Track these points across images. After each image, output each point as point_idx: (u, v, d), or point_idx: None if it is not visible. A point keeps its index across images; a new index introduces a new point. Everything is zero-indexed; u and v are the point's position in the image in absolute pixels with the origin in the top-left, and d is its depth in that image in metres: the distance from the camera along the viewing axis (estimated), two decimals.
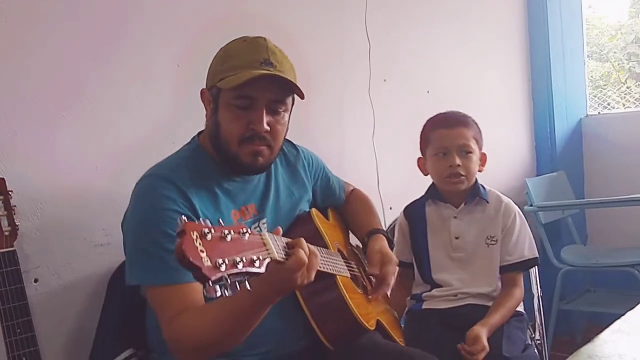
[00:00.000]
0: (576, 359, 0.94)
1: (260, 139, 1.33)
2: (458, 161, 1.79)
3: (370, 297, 1.53)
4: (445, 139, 1.82)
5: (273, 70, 1.31)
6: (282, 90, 1.35)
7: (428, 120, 1.89)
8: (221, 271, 0.86)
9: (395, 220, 2.10)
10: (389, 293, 1.58)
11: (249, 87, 1.29)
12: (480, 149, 1.85)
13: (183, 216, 0.90)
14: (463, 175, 1.80)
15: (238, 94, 1.30)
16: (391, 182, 2.46)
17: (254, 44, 1.35)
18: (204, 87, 1.41)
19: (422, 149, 1.89)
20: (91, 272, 1.59)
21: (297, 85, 1.34)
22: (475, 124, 1.87)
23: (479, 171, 1.87)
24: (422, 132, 1.89)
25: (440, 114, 1.88)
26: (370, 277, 1.59)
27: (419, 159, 1.91)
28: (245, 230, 0.94)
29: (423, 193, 1.94)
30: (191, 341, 1.21)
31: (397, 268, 1.59)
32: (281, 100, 1.35)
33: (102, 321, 1.50)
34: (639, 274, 2.76)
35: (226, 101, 1.33)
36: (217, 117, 1.35)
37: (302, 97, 1.37)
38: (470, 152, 1.81)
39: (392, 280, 1.55)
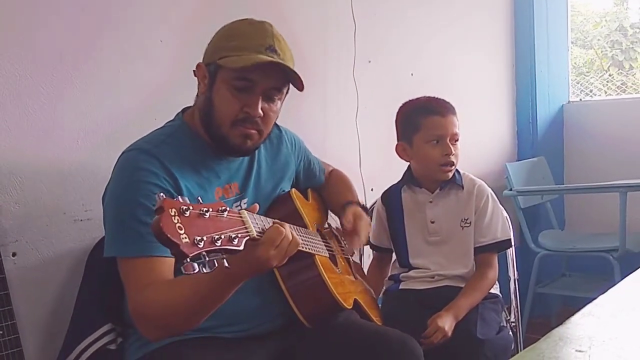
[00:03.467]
0: (548, 341, 0.96)
1: (252, 123, 1.34)
2: (453, 150, 1.80)
3: (346, 254, 1.54)
4: (441, 126, 1.81)
5: (277, 58, 1.31)
6: (282, 78, 1.35)
7: (412, 105, 1.87)
8: (199, 248, 0.87)
9: (376, 202, 2.11)
10: (361, 245, 1.60)
11: (251, 71, 1.29)
12: None
13: (162, 193, 0.90)
14: (454, 163, 1.83)
15: (239, 76, 1.30)
16: (373, 163, 2.46)
17: (260, 28, 1.35)
18: (197, 62, 1.39)
19: (407, 134, 1.86)
20: (70, 247, 1.59)
21: (299, 77, 1.34)
22: None
23: None
24: (406, 116, 1.87)
25: (426, 99, 1.86)
26: (348, 257, 1.61)
27: (399, 144, 1.89)
28: (224, 208, 0.95)
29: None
30: (155, 316, 1.21)
31: (369, 225, 1.62)
32: (278, 88, 1.36)
33: (80, 296, 1.50)
34: (613, 259, 2.80)
35: (225, 80, 1.32)
36: (211, 94, 1.34)
37: (301, 88, 1.37)
38: (458, 141, 1.83)
39: (364, 234, 1.58)
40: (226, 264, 0.92)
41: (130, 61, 1.72)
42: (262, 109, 1.33)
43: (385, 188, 2.00)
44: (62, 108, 1.58)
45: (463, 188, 1.86)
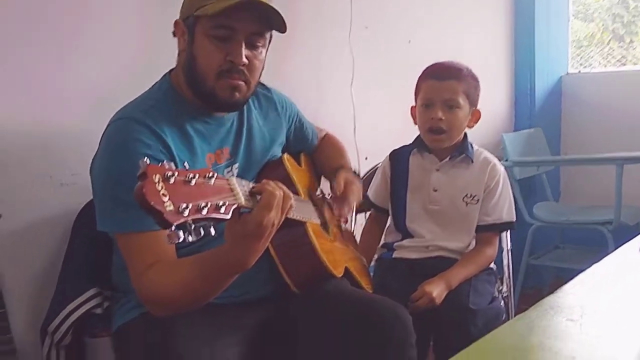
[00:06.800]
0: (539, 309, 0.94)
1: (238, 72, 1.29)
2: (441, 115, 1.75)
3: (338, 222, 1.52)
4: (432, 90, 1.77)
5: None
6: (263, 23, 1.30)
7: (425, 69, 1.84)
8: (184, 216, 0.83)
9: (371, 170, 2.09)
10: (351, 210, 1.58)
11: (229, 16, 1.24)
12: (472, 104, 1.80)
13: (145, 158, 0.86)
14: (444, 131, 1.76)
15: (217, 24, 1.25)
16: (368, 132, 2.43)
17: None
18: (177, 19, 1.35)
19: (415, 97, 1.85)
20: (57, 211, 1.56)
21: (279, 14, 1.28)
22: (472, 78, 1.80)
23: (469, 127, 1.84)
24: (417, 80, 1.84)
25: (437, 63, 1.82)
26: (340, 223, 1.59)
27: (412, 107, 1.86)
28: (211, 175, 0.91)
29: (402, 143, 1.92)
30: (159, 298, 1.20)
31: (360, 192, 1.58)
32: (260, 34, 1.31)
33: (66, 260, 1.48)
34: (607, 232, 2.80)
35: (204, 31, 1.27)
36: (192, 49, 1.30)
37: (284, 29, 1.32)
38: (457, 107, 1.76)
39: (353, 200, 1.55)
40: (213, 232, 0.89)
41: (120, 21, 1.67)
42: (246, 56, 1.29)
43: (381, 157, 1.97)
44: (46, 70, 1.53)
45: (473, 161, 1.83)
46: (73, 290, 1.42)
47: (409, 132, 1.89)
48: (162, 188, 0.84)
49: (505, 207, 1.82)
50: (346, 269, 1.51)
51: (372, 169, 2.10)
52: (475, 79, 1.82)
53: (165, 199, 0.83)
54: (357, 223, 2.08)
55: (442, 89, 1.76)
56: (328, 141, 1.77)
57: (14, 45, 1.48)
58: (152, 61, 1.62)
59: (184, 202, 0.84)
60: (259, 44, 1.32)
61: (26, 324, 1.51)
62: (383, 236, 1.95)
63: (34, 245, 1.53)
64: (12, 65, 1.48)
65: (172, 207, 0.83)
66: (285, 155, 1.51)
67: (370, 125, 2.44)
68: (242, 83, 1.31)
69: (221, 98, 1.31)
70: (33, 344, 1.49)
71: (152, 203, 0.82)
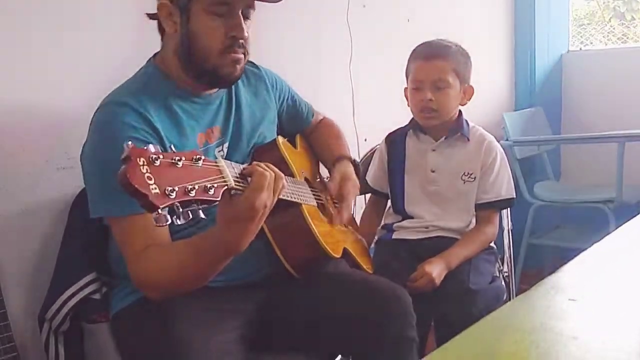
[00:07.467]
0: (540, 289, 0.93)
1: (239, 46, 1.29)
2: (430, 96, 1.74)
3: (333, 221, 1.51)
4: (421, 72, 1.76)
5: None
6: None
7: (413, 49, 1.83)
8: (171, 199, 0.82)
9: (369, 151, 2.07)
10: (350, 213, 1.57)
11: None
12: (463, 82, 1.79)
13: (129, 142, 0.85)
14: (435, 110, 1.76)
15: (218, 0, 1.25)
16: (367, 112, 2.41)
17: None
18: (161, 1, 1.31)
19: (406, 78, 1.84)
20: (53, 196, 1.55)
21: None
22: (461, 55, 1.79)
23: (462, 105, 1.82)
24: (407, 60, 1.84)
25: (425, 43, 1.81)
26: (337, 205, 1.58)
27: (405, 88, 1.85)
28: (198, 157, 0.90)
29: (401, 124, 1.90)
30: (152, 281, 1.20)
31: (358, 188, 1.57)
32: (252, 5, 1.31)
33: (64, 245, 1.47)
34: (608, 210, 2.78)
35: (203, 8, 1.26)
36: (190, 28, 1.28)
37: None
38: (447, 87, 1.75)
39: (352, 199, 1.53)
40: (202, 215, 0.88)
41: (119, 5, 1.65)
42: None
43: (380, 139, 1.95)
44: (42, 52, 1.51)
45: (469, 140, 1.81)
46: (71, 275, 1.41)
47: (408, 113, 1.87)
48: (147, 171, 0.83)
49: (504, 184, 1.81)
50: (346, 251, 1.50)
51: (371, 150, 2.08)
52: (465, 55, 1.80)
53: (151, 181, 0.82)
54: (357, 206, 2.07)
55: (430, 69, 1.75)
56: (325, 126, 1.74)
57: (10, 29, 1.45)
58: (151, 45, 1.58)
59: (171, 185, 0.83)
60: (251, 15, 1.32)
61: (24, 310, 1.50)
62: (383, 218, 1.94)
63: (30, 230, 1.52)
64: (8, 49, 1.46)
65: (158, 190, 0.82)
66: (280, 138, 1.50)
67: (369, 105, 2.42)
68: (242, 56, 1.32)
69: (223, 74, 1.31)
70: (31, 331, 1.49)
71: (136, 186, 0.81)
